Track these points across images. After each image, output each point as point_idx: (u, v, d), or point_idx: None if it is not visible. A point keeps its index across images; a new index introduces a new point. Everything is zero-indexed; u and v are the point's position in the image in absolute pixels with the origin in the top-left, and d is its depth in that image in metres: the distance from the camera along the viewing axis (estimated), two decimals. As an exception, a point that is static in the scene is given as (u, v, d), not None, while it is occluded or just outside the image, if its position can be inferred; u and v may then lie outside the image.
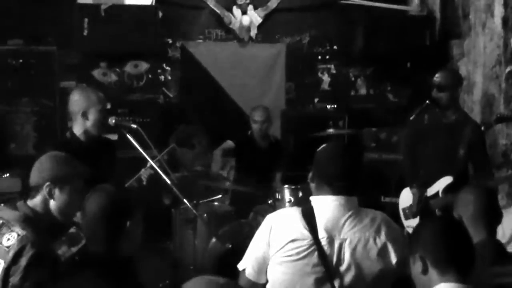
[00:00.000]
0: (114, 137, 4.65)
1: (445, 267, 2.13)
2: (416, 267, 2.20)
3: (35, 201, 2.78)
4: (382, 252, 2.56)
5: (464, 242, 2.21)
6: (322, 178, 2.66)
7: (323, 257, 2.49)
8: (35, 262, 2.52)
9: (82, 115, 3.89)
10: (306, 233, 2.55)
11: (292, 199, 4.76)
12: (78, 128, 3.94)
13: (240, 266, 2.74)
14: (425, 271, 2.17)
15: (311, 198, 2.70)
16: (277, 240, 2.61)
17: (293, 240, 2.57)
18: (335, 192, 2.60)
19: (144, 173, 4.05)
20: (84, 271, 2.31)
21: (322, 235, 2.54)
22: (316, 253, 2.53)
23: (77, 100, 3.92)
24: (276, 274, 2.62)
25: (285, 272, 2.59)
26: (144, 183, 4.03)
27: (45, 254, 2.57)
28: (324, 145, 2.82)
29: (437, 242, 2.18)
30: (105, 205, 2.36)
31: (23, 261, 2.51)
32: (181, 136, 4.07)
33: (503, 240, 3.22)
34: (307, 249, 2.55)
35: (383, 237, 2.57)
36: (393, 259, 2.59)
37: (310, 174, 2.73)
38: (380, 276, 2.55)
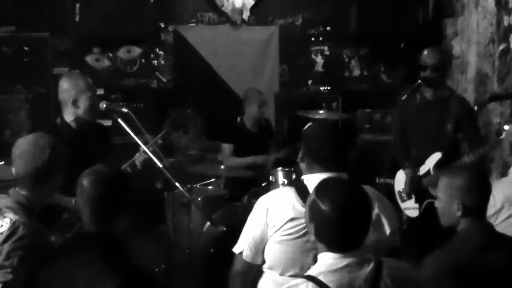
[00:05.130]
0: (107, 122, 4.65)
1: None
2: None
3: (36, 189, 2.77)
4: (376, 224, 2.61)
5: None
6: (312, 157, 2.71)
7: None
8: (24, 243, 2.55)
9: (72, 103, 3.85)
10: (304, 211, 2.56)
11: (286, 181, 4.79)
12: (69, 116, 3.90)
13: (236, 249, 2.77)
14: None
15: (303, 177, 2.75)
16: (275, 220, 2.65)
17: (291, 219, 2.61)
18: (325, 169, 2.65)
19: (138, 158, 4.05)
20: (80, 252, 2.32)
21: None
22: None
23: (66, 88, 3.87)
24: (276, 252, 2.66)
25: (285, 251, 2.64)
26: (139, 167, 4.03)
27: (37, 237, 2.59)
28: (310, 124, 2.85)
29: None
30: (101, 185, 2.37)
31: (12, 240, 2.54)
32: (175, 120, 4.06)
33: (494, 209, 3.24)
34: (306, 227, 2.56)
35: (376, 210, 2.61)
36: (387, 230, 2.66)
37: (300, 154, 2.78)
38: (375, 247, 2.59)
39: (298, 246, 2.62)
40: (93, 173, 2.42)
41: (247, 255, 2.73)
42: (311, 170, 2.72)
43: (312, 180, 2.65)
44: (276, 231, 2.64)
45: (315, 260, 2.45)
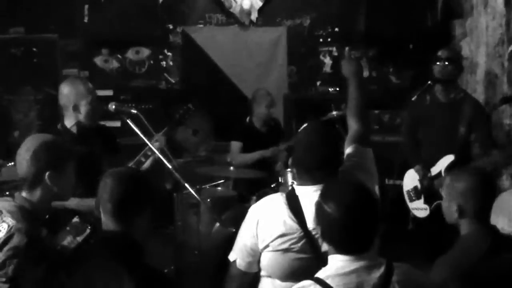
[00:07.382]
0: (116, 123, 4.65)
1: None
2: None
3: (36, 193, 2.64)
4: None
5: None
6: (301, 167, 2.64)
7: (315, 247, 2.50)
8: (19, 251, 2.45)
9: (73, 109, 3.80)
10: (295, 226, 2.54)
11: (295, 183, 4.76)
12: (69, 121, 3.84)
13: (231, 257, 2.73)
14: None
15: (295, 186, 2.66)
16: (265, 234, 2.59)
17: (282, 235, 2.55)
18: (314, 181, 2.56)
19: (145, 159, 4.01)
20: (98, 252, 2.33)
21: (312, 226, 2.51)
22: (307, 244, 2.52)
23: (66, 94, 3.81)
24: (269, 261, 2.62)
25: (278, 262, 2.59)
26: (151, 158, 3.96)
27: (33, 244, 2.48)
28: (304, 127, 2.77)
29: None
30: (125, 183, 2.37)
31: (6, 248, 2.45)
32: (174, 115, 4.05)
33: None
34: (297, 241, 2.54)
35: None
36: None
37: (290, 160, 2.70)
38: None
39: (290, 258, 2.56)
40: (117, 173, 2.42)
41: (240, 264, 2.69)
42: (301, 181, 2.63)
43: (304, 193, 2.59)
44: (266, 245, 2.59)
45: (311, 267, 2.37)
